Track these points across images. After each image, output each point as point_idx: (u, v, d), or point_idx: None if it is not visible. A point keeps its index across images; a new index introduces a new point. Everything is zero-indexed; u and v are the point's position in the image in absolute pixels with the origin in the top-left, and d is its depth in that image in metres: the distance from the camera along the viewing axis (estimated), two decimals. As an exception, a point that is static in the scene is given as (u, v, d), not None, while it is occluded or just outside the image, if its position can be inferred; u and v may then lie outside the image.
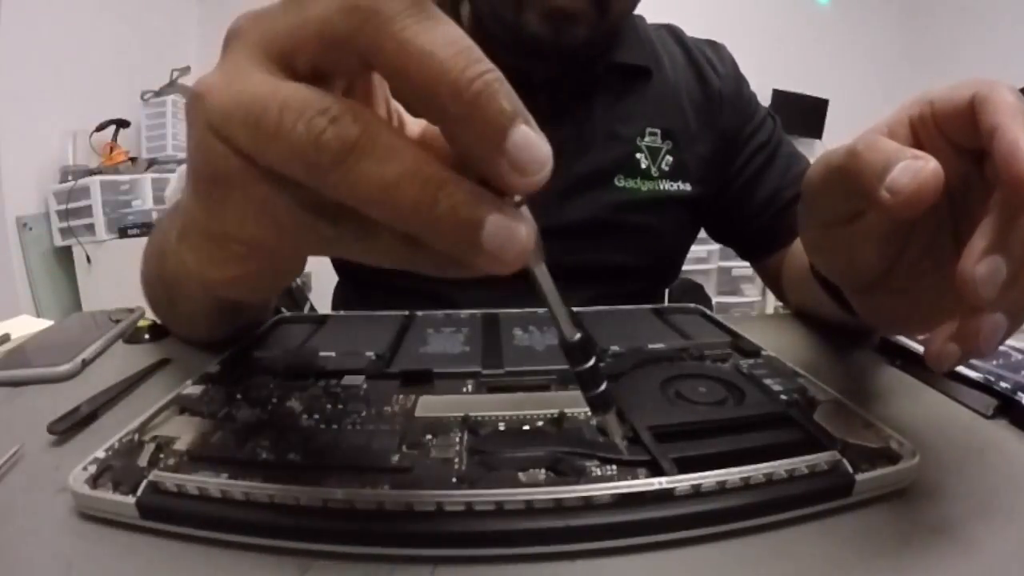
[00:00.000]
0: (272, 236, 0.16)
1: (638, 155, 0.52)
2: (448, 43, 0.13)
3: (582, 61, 0.50)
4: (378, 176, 0.14)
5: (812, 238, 0.25)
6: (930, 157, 0.18)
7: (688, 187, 0.54)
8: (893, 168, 0.18)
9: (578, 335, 0.17)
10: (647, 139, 0.52)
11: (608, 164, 0.52)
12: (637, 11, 0.58)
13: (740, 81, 0.58)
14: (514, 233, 0.14)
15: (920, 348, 0.33)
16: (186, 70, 2.35)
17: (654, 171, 0.53)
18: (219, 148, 0.15)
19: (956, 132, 0.20)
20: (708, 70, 0.56)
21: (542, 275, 0.16)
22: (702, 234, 0.62)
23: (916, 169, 0.17)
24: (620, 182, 0.52)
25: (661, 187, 0.53)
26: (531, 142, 0.14)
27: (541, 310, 0.40)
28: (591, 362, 0.17)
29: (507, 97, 0.13)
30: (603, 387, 0.17)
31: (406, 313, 0.39)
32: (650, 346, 0.32)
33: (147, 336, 0.39)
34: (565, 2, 0.43)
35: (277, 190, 0.15)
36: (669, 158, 0.53)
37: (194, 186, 0.17)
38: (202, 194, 0.17)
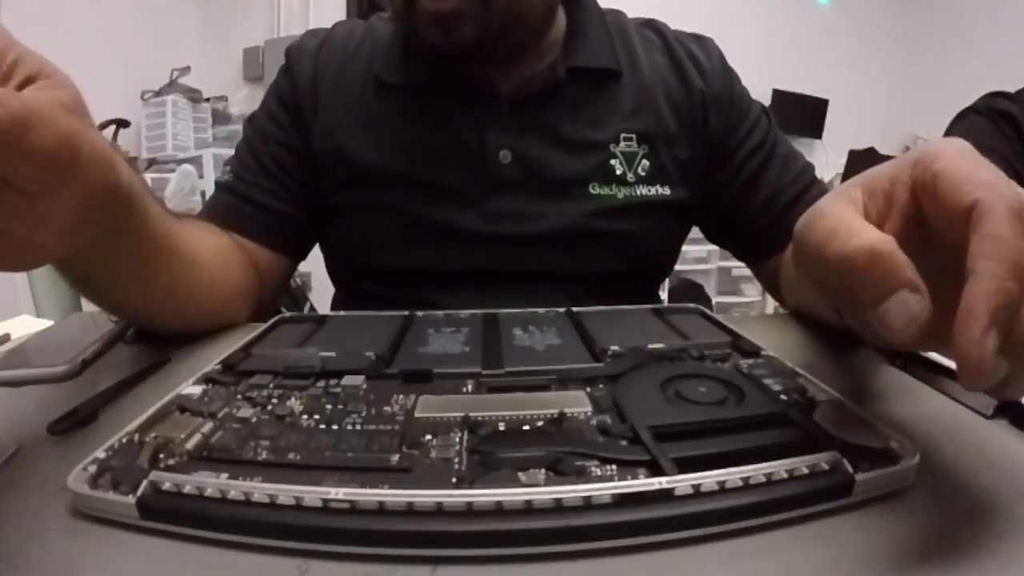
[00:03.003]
0: None
1: (612, 161, 0.51)
2: None
3: (507, 56, 0.49)
4: None
5: (803, 277, 0.25)
6: (923, 291, 0.18)
7: (668, 191, 0.52)
8: (888, 299, 0.18)
9: None
10: (622, 144, 0.51)
11: (582, 172, 0.51)
12: (622, 7, 0.58)
13: (730, 78, 0.55)
14: None
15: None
16: (186, 70, 2.35)
17: (630, 176, 0.52)
18: None
19: (941, 223, 0.20)
20: (691, 69, 0.54)
21: None
22: (701, 234, 0.62)
23: (907, 308, 0.18)
24: (595, 189, 0.51)
25: (638, 192, 0.52)
26: None
27: (541, 310, 0.40)
28: None
29: None
30: None
31: (406, 313, 0.39)
32: (650, 346, 0.32)
33: (147, 336, 0.39)
34: (437, 4, 0.43)
35: None
36: (646, 162, 0.52)
37: None
38: None
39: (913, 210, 0.21)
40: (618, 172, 0.51)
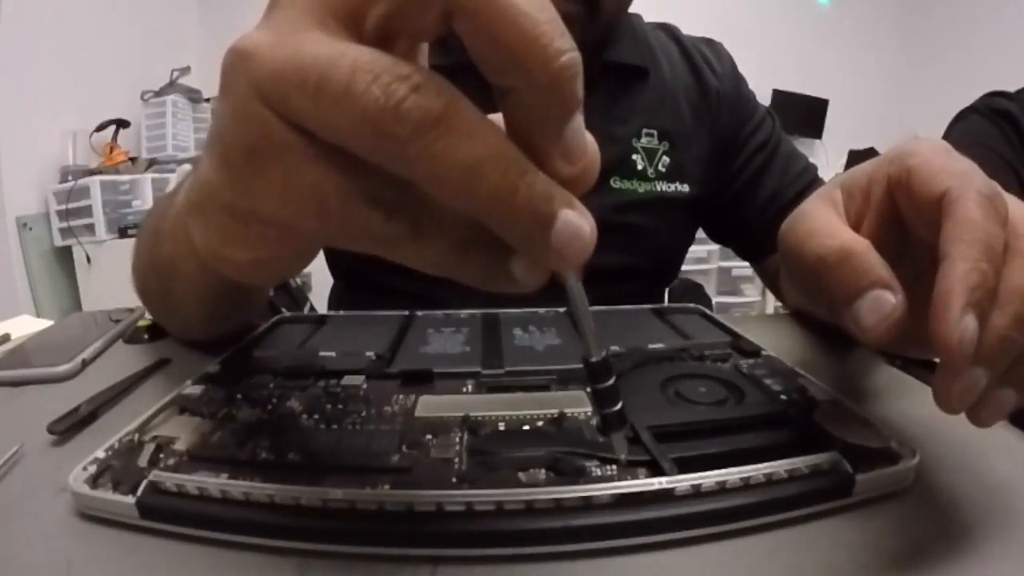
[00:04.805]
0: (312, 222, 0.14)
1: (634, 156, 0.52)
2: (542, 8, 0.13)
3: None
4: (460, 156, 0.12)
5: (789, 278, 0.26)
6: (896, 289, 0.18)
7: (686, 188, 0.53)
8: (860, 297, 0.18)
9: (603, 353, 0.17)
10: (643, 140, 0.52)
11: (604, 165, 0.51)
12: (635, 10, 0.58)
13: (738, 80, 0.57)
14: (581, 231, 0.14)
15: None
16: (186, 70, 2.34)
17: (651, 172, 0.52)
18: (265, 115, 0.14)
19: (915, 218, 0.20)
20: (706, 70, 0.56)
21: (576, 287, 0.16)
22: (702, 234, 0.62)
23: (879, 306, 0.18)
24: (616, 183, 0.52)
25: (658, 188, 0.52)
26: (583, 133, 0.14)
27: (541, 310, 0.40)
28: (611, 381, 0.17)
29: (580, 83, 0.13)
30: (619, 406, 0.17)
31: (406, 313, 0.39)
32: (650, 346, 0.32)
33: (147, 336, 0.39)
34: (556, 6, 0.43)
35: (330, 170, 0.14)
36: (666, 159, 0.53)
37: (223, 156, 0.15)
38: (234, 166, 0.15)
39: (889, 208, 0.21)
40: (639, 167, 0.52)
